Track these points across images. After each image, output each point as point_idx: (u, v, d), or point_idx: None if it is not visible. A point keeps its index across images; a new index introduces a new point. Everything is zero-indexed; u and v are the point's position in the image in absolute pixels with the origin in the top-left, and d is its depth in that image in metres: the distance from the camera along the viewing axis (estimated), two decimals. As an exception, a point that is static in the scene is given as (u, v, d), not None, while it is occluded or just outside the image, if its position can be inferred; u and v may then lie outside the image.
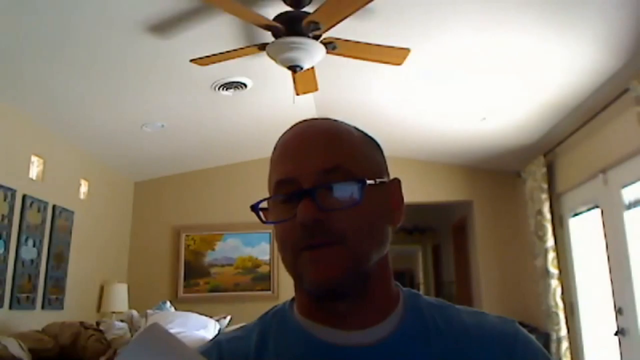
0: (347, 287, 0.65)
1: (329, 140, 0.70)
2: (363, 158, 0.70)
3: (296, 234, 0.64)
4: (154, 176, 5.56)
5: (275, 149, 0.72)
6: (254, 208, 0.69)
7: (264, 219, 0.69)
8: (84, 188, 4.57)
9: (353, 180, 0.66)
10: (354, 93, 3.89)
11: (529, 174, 4.78)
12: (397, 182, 0.74)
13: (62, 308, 4.08)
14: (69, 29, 2.78)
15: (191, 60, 2.83)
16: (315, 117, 0.77)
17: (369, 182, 0.66)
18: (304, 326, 0.70)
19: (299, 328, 0.70)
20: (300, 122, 0.74)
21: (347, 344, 0.66)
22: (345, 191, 0.66)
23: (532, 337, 0.72)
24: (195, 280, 5.35)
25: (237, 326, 0.82)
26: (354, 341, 0.66)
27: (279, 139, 0.73)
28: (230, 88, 3.64)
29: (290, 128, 0.73)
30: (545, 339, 4.28)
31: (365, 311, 0.68)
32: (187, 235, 5.44)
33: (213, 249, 5.42)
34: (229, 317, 4.25)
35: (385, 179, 0.72)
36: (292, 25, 2.54)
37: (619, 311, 3.54)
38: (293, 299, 0.75)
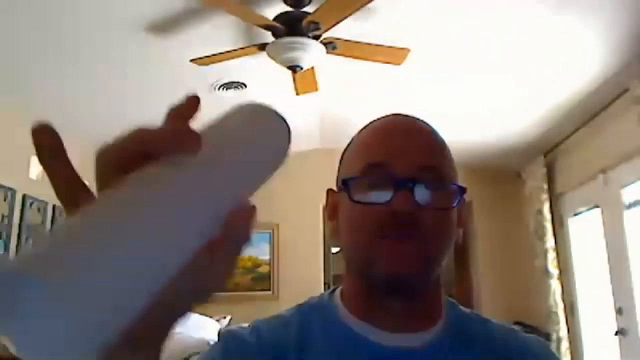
0: (414, 285, 0.65)
1: (430, 139, 0.71)
2: (453, 167, 0.72)
3: (380, 220, 0.63)
4: (154, 176, 5.56)
5: (363, 132, 0.73)
6: (346, 183, 0.68)
7: (353, 196, 0.67)
8: (84, 188, 4.57)
9: (455, 185, 0.68)
10: (353, 93, 3.89)
11: (529, 174, 4.78)
12: (466, 203, 0.74)
13: (62, 308, 4.08)
14: (69, 29, 2.78)
15: (191, 60, 2.83)
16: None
17: (465, 194, 0.68)
18: (350, 323, 0.69)
19: (344, 324, 0.69)
20: (394, 114, 0.74)
21: (394, 345, 0.66)
22: (444, 193, 0.66)
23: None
24: (195, 280, 5.34)
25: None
26: (401, 343, 0.66)
27: (371, 124, 0.73)
28: (230, 88, 3.64)
29: (385, 117, 0.74)
30: (545, 339, 4.27)
31: (416, 314, 0.68)
32: (187, 235, 5.43)
33: (213, 249, 5.41)
34: (229, 317, 4.25)
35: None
36: (292, 25, 2.54)
37: (618, 311, 3.54)
38: (332, 292, 0.74)
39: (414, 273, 0.64)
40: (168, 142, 0.29)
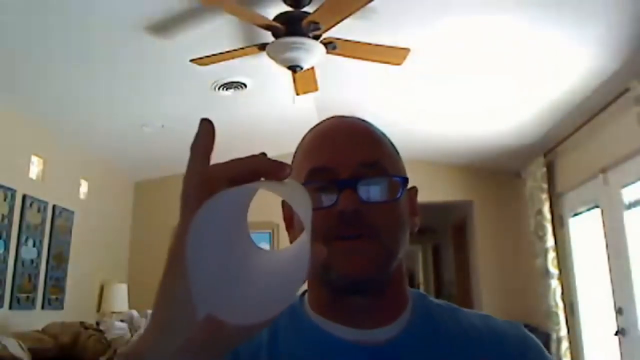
0: (374, 282, 0.66)
1: (368, 136, 0.72)
2: (395, 160, 0.73)
3: (330, 223, 0.64)
4: (154, 176, 5.56)
5: (307, 138, 0.74)
6: None
7: None
8: (84, 188, 4.57)
9: (396, 177, 0.68)
10: (353, 93, 3.89)
11: (529, 174, 4.78)
12: (416, 190, 0.75)
13: (62, 308, 4.08)
14: (69, 30, 2.79)
15: (191, 60, 2.83)
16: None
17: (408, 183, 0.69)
18: (317, 322, 0.70)
19: (311, 324, 0.70)
20: (334, 117, 0.76)
21: (359, 341, 0.67)
22: (387, 187, 0.67)
23: (538, 341, 0.73)
24: (195, 280, 5.34)
25: None
26: (366, 339, 0.67)
27: (313, 129, 0.75)
28: (230, 88, 3.64)
29: (325, 120, 0.75)
30: (545, 339, 4.28)
31: (380, 309, 0.68)
32: (187, 235, 5.43)
33: (213, 249, 5.40)
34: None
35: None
36: (292, 25, 2.54)
37: (619, 311, 3.54)
38: (302, 295, 0.75)
39: (371, 272, 0.65)
40: (271, 171, 0.42)
